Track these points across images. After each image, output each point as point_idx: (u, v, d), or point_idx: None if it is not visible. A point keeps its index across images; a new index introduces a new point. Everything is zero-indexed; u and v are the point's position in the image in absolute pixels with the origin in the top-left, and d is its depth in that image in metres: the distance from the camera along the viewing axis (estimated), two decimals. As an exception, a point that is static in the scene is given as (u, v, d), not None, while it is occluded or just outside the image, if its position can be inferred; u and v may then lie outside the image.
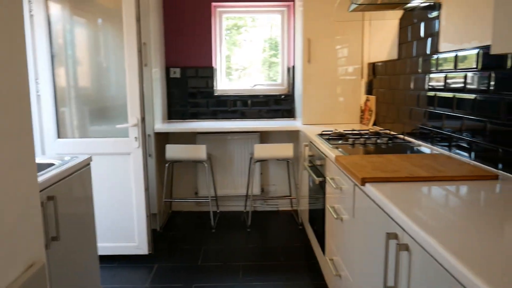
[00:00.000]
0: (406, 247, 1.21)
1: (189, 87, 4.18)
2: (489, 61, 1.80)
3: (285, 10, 4.21)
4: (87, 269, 2.19)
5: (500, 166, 1.73)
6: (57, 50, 3.00)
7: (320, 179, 2.52)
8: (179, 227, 3.81)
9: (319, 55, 3.62)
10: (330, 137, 2.71)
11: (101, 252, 3.05)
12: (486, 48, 1.83)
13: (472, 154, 1.94)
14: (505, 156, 1.69)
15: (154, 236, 3.51)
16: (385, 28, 3.15)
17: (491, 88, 1.79)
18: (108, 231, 3.09)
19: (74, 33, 3.01)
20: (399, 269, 1.26)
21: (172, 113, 4.21)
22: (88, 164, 2.22)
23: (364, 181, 1.59)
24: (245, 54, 4.38)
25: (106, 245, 3.08)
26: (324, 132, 2.92)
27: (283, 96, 4.25)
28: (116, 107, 3.04)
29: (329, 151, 2.28)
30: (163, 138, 3.96)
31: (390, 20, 3.03)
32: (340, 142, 2.55)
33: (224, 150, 4.10)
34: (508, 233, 1.07)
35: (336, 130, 3.01)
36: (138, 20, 2.88)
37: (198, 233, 3.64)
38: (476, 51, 1.90)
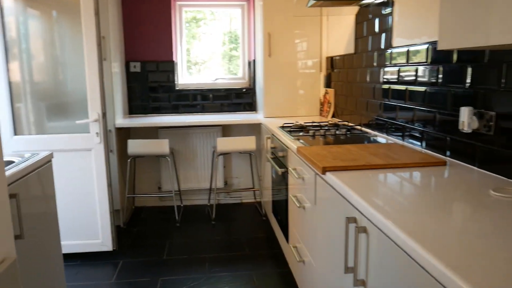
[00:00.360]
0: (364, 230, 1.30)
1: (150, 82, 4.15)
2: (438, 55, 1.93)
3: (245, 5, 4.25)
4: (51, 267, 2.16)
5: (448, 153, 1.87)
6: (11, 43, 2.90)
7: (283, 170, 2.60)
8: (143, 222, 3.80)
9: (280, 49, 3.69)
10: (292, 129, 2.79)
11: (64, 250, 3.01)
12: (435, 44, 1.96)
13: (423, 142, 2.07)
14: (452, 144, 1.83)
15: (118, 233, 3.48)
16: (342, 23, 3.26)
17: (440, 81, 1.92)
18: (71, 228, 3.04)
19: (28, 26, 2.92)
20: (358, 250, 1.35)
21: (133, 108, 4.16)
22: (50, 161, 2.19)
23: (324, 170, 1.68)
24: (205, 48, 4.39)
25: (68, 243, 3.03)
26: (285, 125, 3.00)
27: (244, 90, 4.30)
28: (75, 102, 2.99)
29: (291, 143, 2.36)
30: (124, 134, 3.91)
31: (347, 16, 3.14)
32: (301, 134, 2.64)
33: (186, 144, 4.11)
34: (455, 212, 1.17)
35: (297, 122, 3.10)
36: (96, 13, 2.84)
37: (162, 227, 3.65)
38: (426, 46, 2.03)
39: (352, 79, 3.06)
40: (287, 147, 2.47)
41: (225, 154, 4.16)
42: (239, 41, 4.36)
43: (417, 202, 1.26)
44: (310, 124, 3.04)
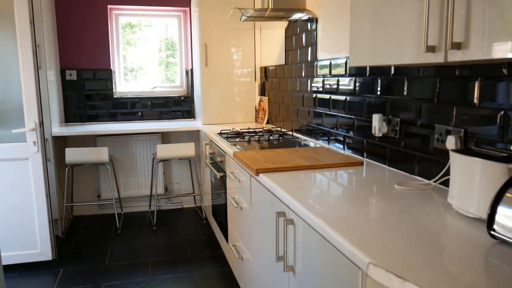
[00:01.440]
0: (291, 222, 1.50)
1: (87, 90, 4.14)
2: (354, 69, 2.21)
3: (182, 15, 4.38)
4: (-10, 277, 2.16)
5: (365, 154, 2.14)
6: None
7: (221, 174, 2.77)
8: (82, 231, 3.78)
9: (216, 58, 3.87)
10: (229, 136, 2.97)
11: (2, 261, 2.96)
12: (352, 58, 2.23)
13: (345, 145, 2.34)
14: (368, 146, 2.10)
15: (57, 242, 3.46)
16: (274, 36, 3.51)
17: (356, 91, 2.19)
18: (9, 239, 2.99)
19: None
20: (287, 240, 1.55)
21: (70, 116, 4.13)
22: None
23: (258, 172, 1.87)
24: (141, 54, 4.45)
25: (6, 254, 2.98)
26: (222, 131, 3.18)
27: (182, 98, 4.42)
28: (8, 111, 2.95)
29: (228, 148, 2.54)
30: (61, 142, 3.88)
31: (277, 31, 3.39)
32: (237, 139, 2.82)
33: (126, 152, 4.14)
34: (364, 203, 1.41)
35: (233, 129, 3.29)
36: (32, 22, 2.84)
37: (103, 235, 3.67)
38: (344, 60, 2.31)
39: (284, 88, 3.30)
40: (225, 152, 2.65)
41: (165, 161, 4.25)
42: (176, 49, 4.48)
43: (336, 196, 1.49)
44: (246, 130, 3.24)
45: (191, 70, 4.37)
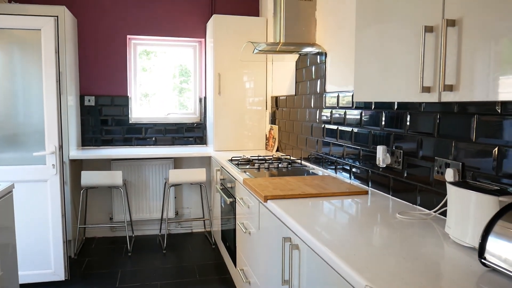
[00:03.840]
0: (297, 247, 1.58)
1: (104, 115, 4.31)
2: (360, 102, 2.32)
3: (197, 45, 4.57)
4: (7, 294, 2.25)
5: (370, 183, 2.22)
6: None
7: (231, 199, 2.86)
8: (94, 252, 3.87)
9: (229, 87, 4.02)
10: (239, 162, 3.07)
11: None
12: (358, 92, 2.34)
13: (351, 175, 2.43)
14: (373, 176, 2.19)
15: (70, 263, 3.54)
16: (285, 68, 3.65)
17: (362, 123, 2.29)
18: (25, 259, 3.09)
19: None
20: (292, 264, 1.63)
21: (86, 140, 4.29)
22: (10, 191, 2.31)
23: (266, 198, 1.96)
24: (155, 80, 4.62)
25: (22, 273, 3.07)
26: (233, 158, 3.28)
27: (195, 124, 4.56)
28: (29, 134, 3.10)
29: (238, 175, 2.64)
30: (77, 165, 4.02)
31: (288, 63, 3.53)
32: (247, 166, 2.92)
33: (139, 176, 4.26)
34: (367, 231, 1.49)
35: (244, 156, 3.40)
36: (57, 51, 3.02)
37: (114, 257, 3.75)
38: (351, 93, 2.42)
39: (293, 117, 3.42)
40: (235, 178, 2.75)
41: (177, 185, 4.36)
42: (190, 76, 4.65)
43: (340, 223, 1.57)
44: (256, 157, 3.34)
45: (205, 98, 4.53)
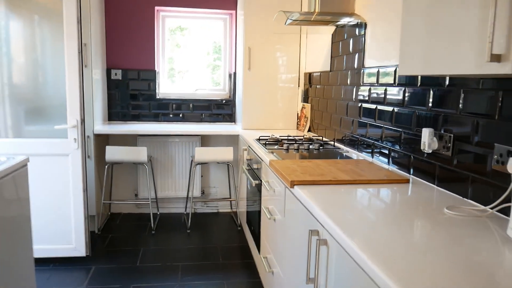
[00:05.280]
0: (325, 242, 1.37)
1: (131, 89, 4.18)
2: (404, 78, 2.04)
3: (227, 18, 4.34)
4: (21, 272, 2.17)
5: (411, 171, 1.97)
6: (-9, 47, 2.92)
7: (257, 181, 2.67)
8: (118, 229, 3.80)
9: (259, 62, 3.79)
10: (267, 142, 2.87)
11: (36, 254, 3.01)
12: (402, 67, 2.07)
13: (390, 160, 2.17)
14: (415, 162, 1.93)
15: (92, 238, 3.49)
16: (319, 41, 3.38)
17: (405, 102, 2.03)
18: (44, 233, 3.04)
19: (8, 29, 2.93)
20: (319, 262, 1.42)
21: (113, 115, 4.19)
22: (25, 165, 2.21)
23: (293, 184, 1.75)
24: (189, 56, 4.45)
25: (41, 247, 3.03)
26: (261, 137, 3.08)
27: (224, 101, 4.37)
28: (53, 106, 3.00)
29: (265, 156, 2.43)
30: (103, 140, 3.93)
31: (324, 34, 3.26)
32: (275, 147, 2.72)
33: (165, 153, 4.14)
34: (408, 229, 1.26)
35: (273, 135, 3.18)
36: (79, 21, 2.88)
37: (137, 235, 3.67)
38: (394, 68, 2.14)
39: (328, 96, 3.16)
40: (261, 159, 2.55)
41: (203, 164, 4.21)
42: (221, 53, 4.44)
43: (377, 218, 1.35)
44: (286, 137, 3.13)
45: (234, 73, 4.32)
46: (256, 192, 2.78)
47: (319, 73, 3.39)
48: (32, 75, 3.00)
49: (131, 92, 4.19)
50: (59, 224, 3.05)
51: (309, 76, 3.65)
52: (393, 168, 2.13)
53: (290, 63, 3.84)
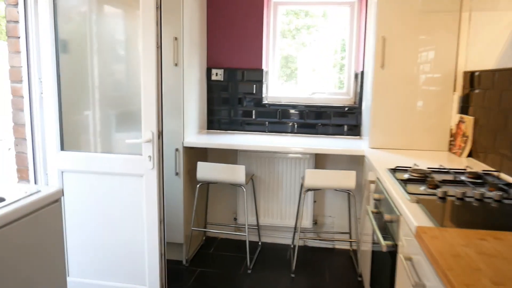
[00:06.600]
0: None
1: (233, 92, 3.50)
2: None
3: (356, 2, 3.38)
4: None
5: None
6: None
7: (389, 243, 1.71)
8: (210, 260, 3.15)
9: (396, 58, 2.76)
10: (409, 178, 1.87)
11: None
12: None
13: None
14: None
15: (178, 272, 2.89)
16: (493, 24, 2.24)
17: None
18: (113, 268, 2.49)
19: (92, 22, 2.44)
20: None
21: (213, 122, 3.55)
22: (57, 200, 1.61)
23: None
24: (312, 56, 3.60)
25: (112, 284, 2.50)
26: (398, 168, 2.08)
27: (347, 108, 3.42)
28: (133, 114, 2.43)
29: (404, 207, 1.47)
30: (199, 153, 3.31)
31: (503, 12, 2.12)
32: (422, 188, 1.71)
33: (270, 171, 3.36)
34: None
35: (416, 165, 2.14)
36: (158, 7, 2.24)
37: (231, 271, 2.96)
38: None
39: (507, 105, 2.03)
40: (399, 212, 1.58)
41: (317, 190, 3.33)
42: (346, 49, 3.50)
43: None
44: (436, 170, 2.07)
45: (362, 73, 3.33)
46: (387, 259, 1.81)
47: (491, 72, 2.25)
48: (109, 77, 2.48)
49: (234, 95, 3.50)
50: (130, 259, 2.47)
51: (472, 77, 2.51)
52: None
53: (441, 58, 2.73)
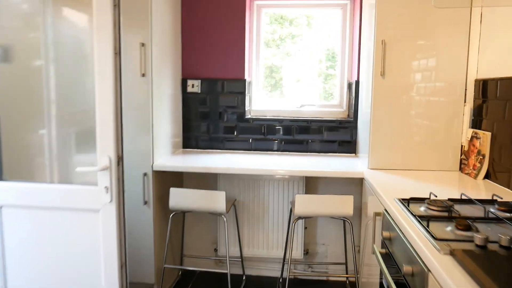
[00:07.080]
0: None
1: (213, 106, 3.10)
2: None
3: (348, 4, 3.03)
4: None
5: None
6: None
7: (410, 302, 1.31)
8: (185, 303, 2.72)
9: (397, 65, 2.40)
10: (430, 215, 1.48)
11: None
12: None
13: None
14: None
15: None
16: (510, 24, 1.90)
17: None
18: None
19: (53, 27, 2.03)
20: None
21: (190, 140, 3.14)
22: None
23: None
24: (297, 66, 3.23)
25: None
26: (413, 200, 1.69)
27: (340, 123, 3.04)
28: (91, 134, 2.00)
29: (436, 262, 1.08)
30: (173, 177, 2.89)
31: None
32: (449, 229, 1.32)
33: (255, 195, 2.96)
34: None
35: (433, 195, 1.75)
36: (116, 5, 1.84)
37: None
38: None
39: (541, 121, 1.67)
40: (427, 267, 1.19)
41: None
42: (337, 57, 3.14)
43: None
44: (458, 200, 1.69)
45: (356, 82, 2.97)
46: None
47: (509, 80, 1.90)
48: (64, 90, 2.06)
49: (213, 109, 3.10)
50: (85, 313, 2.03)
51: (485, 85, 2.16)
52: None
53: (449, 64, 2.38)
